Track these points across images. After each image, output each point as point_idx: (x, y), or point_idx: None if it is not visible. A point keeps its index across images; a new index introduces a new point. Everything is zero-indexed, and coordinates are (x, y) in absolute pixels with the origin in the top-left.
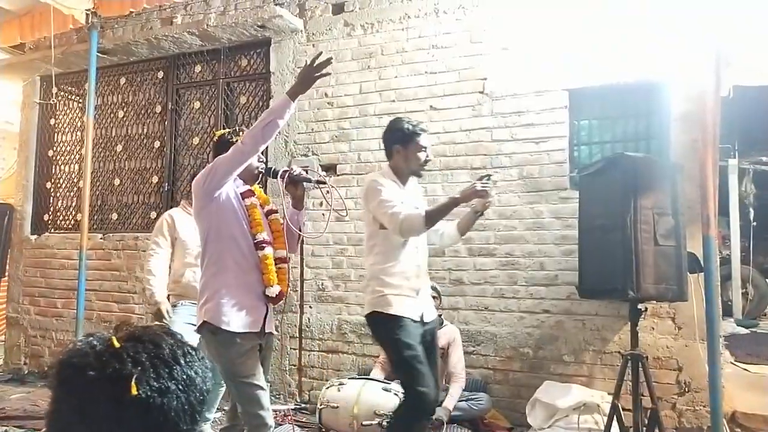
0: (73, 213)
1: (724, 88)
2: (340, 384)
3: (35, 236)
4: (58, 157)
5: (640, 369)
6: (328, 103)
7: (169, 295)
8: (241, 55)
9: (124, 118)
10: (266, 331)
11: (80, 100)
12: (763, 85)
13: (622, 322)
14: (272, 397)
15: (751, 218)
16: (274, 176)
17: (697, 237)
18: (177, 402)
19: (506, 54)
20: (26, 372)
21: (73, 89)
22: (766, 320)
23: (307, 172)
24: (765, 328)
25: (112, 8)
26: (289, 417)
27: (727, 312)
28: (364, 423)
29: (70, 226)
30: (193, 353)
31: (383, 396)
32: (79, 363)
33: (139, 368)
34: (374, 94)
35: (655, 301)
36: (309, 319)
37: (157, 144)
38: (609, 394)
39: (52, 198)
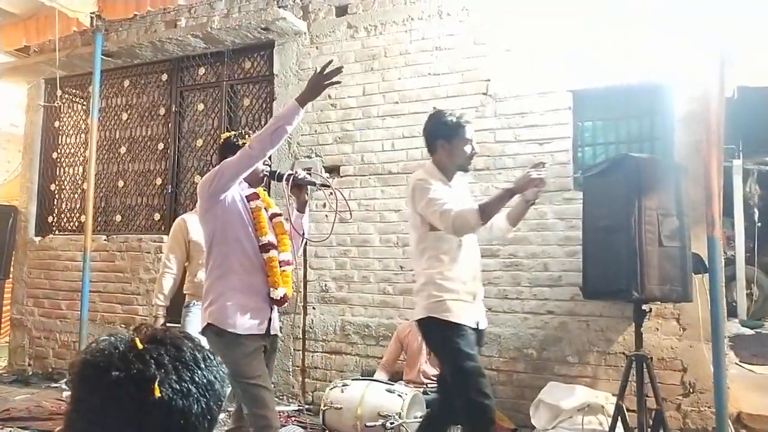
0: (77, 215)
1: (728, 89)
2: (343, 385)
3: (39, 238)
4: (63, 160)
5: (645, 370)
6: (331, 104)
7: (185, 295)
8: (244, 58)
9: (128, 121)
10: (271, 333)
11: (84, 103)
12: (767, 86)
13: (626, 323)
14: (275, 399)
15: (756, 219)
16: (279, 179)
17: (702, 238)
18: (197, 406)
19: (509, 55)
20: (30, 373)
21: (78, 92)
22: None
23: (310, 174)
24: None
25: (116, 11)
26: (293, 418)
27: (732, 313)
28: (368, 424)
29: (74, 228)
30: (212, 358)
31: (387, 397)
32: (103, 363)
33: (162, 371)
34: (377, 96)
35: (659, 302)
36: (312, 320)
37: (160, 146)
38: (613, 395)
39: (56, 200)
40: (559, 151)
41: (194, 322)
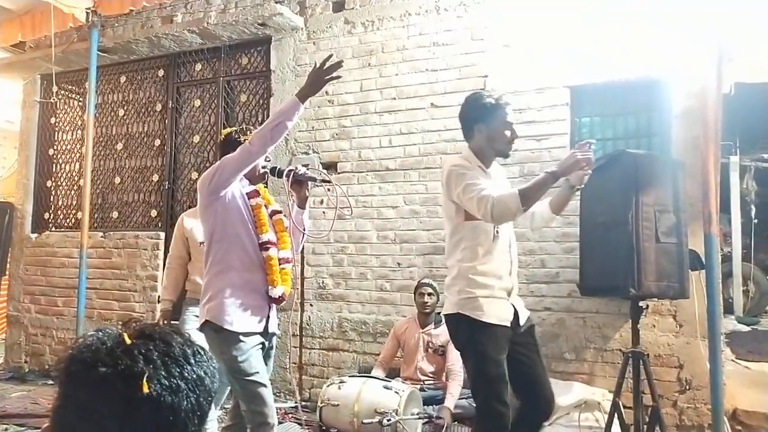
0: (74, 211)
1: (725, 85)
2: (340, 382)
3: (36, 235)
4: (59, 156)
5: (641, 367)
6: (328, 101)
7: (186, 291)
8: (241, 53)
9: (125, 117)
10: (269, 331)
11: (81, 99)
12: (764, 82)
13: (623, 319)
14: (273, 395)
15: (753, 215)
16: (279, 176)
17: (699, 234)
18: (187, 402)
19: (507, 51)
20: (27, 370)
21: (74, 88)
22: (767, 317)
23: (309, 170)
24: (766, 326)
25: (112, 7)
26: (290, 415)
27: (729, 309)
28: (365, 421)
29: (70, 225)
30: (203, 353)
31: (384, 394)
32: (90, 359)
33: (151, 366)
34: (375, 92)
35: (656, 299)
36: (310, 317)
37: (157, 142)
38: (610, 391)
39: (52, 196)
40: (556, 147)
41: (191, 321)
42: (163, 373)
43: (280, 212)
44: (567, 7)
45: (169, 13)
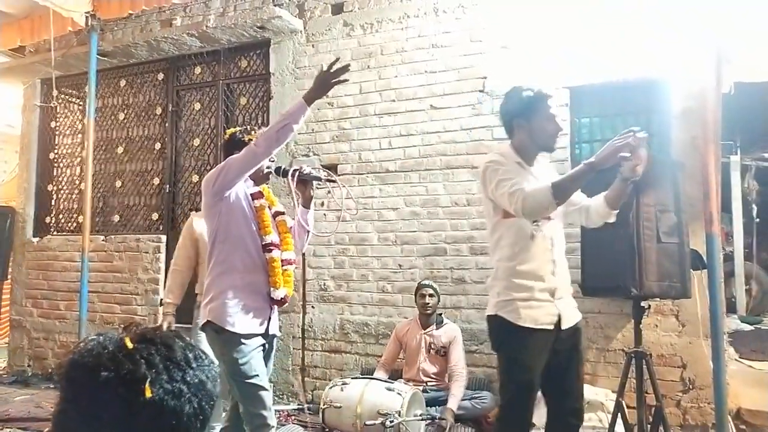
0: (75, 215)
1: (725, 85)
2: (343, 384)
3: (37, 239)
4: (60, 160)
5: (644, 366)
6: (328, 103)
7: (197, 294)
8: (240, 56)
9: (125, 120)
10: (270, 333)
11: (81, 103)
12: (764, 82)
13: (625, 319)
14: (275, 397)
15: (754, 215)
16: (284, 175)
17: (700, 234)
18: (189, 406)
19: (506, 52)
20: (30, 374)
21: (74, 92)
22: None
23: (313, 169)
24: None
25: (111, 10)
26: (293, 417)
27: (731, 309)
28: (368, 423)
29: (71, 229)
30: (204, 357)
31: (386, 395)
32: (92, 363)
33: (153, 371)
34: (374, 94)
35: (658, 299)
36: (311, 319)
37: (157, 146)
38: (613, 392)
39: (53, 200)
40: (556, 147)
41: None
42: (165, 377)
43: (284, 213)
44: (565, 8)
45: (168, 17)
